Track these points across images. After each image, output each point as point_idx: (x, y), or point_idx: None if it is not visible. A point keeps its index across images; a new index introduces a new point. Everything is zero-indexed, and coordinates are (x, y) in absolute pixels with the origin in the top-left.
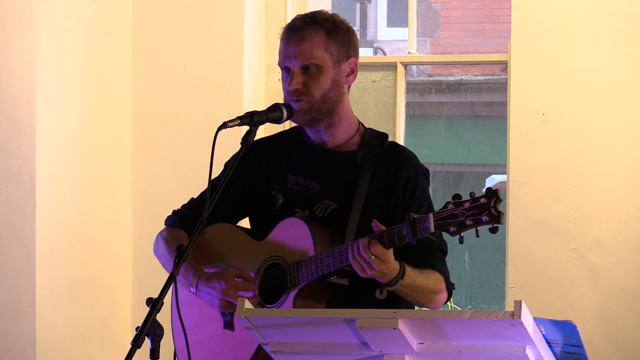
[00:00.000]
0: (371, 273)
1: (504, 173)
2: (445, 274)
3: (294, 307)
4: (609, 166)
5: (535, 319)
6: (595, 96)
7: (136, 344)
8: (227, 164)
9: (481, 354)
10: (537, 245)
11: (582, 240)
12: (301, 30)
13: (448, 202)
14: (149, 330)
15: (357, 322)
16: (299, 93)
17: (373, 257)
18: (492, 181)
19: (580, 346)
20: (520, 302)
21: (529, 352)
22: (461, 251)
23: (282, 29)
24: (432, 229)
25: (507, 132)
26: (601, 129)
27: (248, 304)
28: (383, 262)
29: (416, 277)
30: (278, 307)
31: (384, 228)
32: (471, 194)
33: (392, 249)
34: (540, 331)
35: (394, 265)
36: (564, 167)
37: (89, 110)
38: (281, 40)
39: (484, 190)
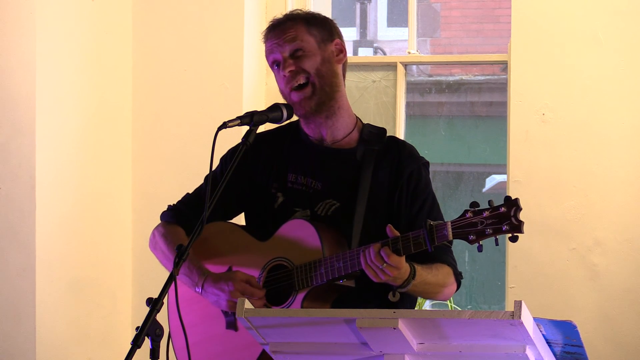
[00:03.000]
0: (384, 278)
1: (504, 173)
2: (453, 265)
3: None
4: (609, 166)
5: (535, 319)
6: (595, 96)
7: (136, 344)
8: (223, 159)
9: (481, 354)
10: (537, 245)
11: (582, 240)
12: (281, 24)
13: (467, 210)
14: (149, 330)
15: (357, 322)
16: (295, 74)
17: (386, 264)
18: (492, 181)
19: (580, 346)
20: (520, 302)
21: (529, 352)
22: (461, 251)
23: (262, 34)
24: (450, 237)
25: (507, 132)
26: (601, 129)
27: (248, 304)
28: (396, 269)
29: (426, 275)
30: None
31: (398, 234)
32: (490, 202)
33: (404, 256)
34: (540, 331)
35: (405, 268)
36: (564, 167)
37: (88, 110)
38: (265, 41)
39: (484, 189)
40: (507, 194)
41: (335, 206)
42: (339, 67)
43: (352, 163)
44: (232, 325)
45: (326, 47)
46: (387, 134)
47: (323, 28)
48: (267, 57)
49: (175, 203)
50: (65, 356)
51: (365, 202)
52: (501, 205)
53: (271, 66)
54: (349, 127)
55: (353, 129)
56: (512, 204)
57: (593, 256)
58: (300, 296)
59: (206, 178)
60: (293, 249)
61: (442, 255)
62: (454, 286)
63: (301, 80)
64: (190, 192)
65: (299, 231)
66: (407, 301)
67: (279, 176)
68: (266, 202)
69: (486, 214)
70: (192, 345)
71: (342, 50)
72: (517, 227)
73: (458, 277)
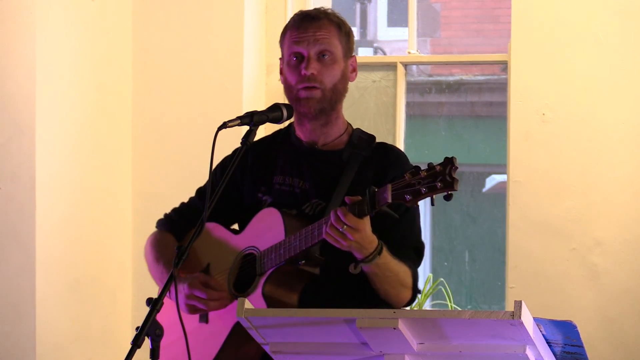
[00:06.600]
0: (346, 243)
1: (504, 173)
2: (413, 271)
3: (263, 294)
4: (609, 166)
5: (535, 319)
6: (595, 96)
7: (136, 344)
8: (213, 172)
9: (481, 354)
10: (537, 245)
11: (582, 240)
12: (318, 19)
13: (406, 172)
14: (149, 330)
15: (357, 322)
16: (313, 79)
17: (345, 226)
18: (492, 181)
19: (580, 346)
20: (520, 302)
21: (529, 352)
22: (461, 251)
23: (291, 19)
24: (390, 200)
25: (507, 132)
26: (601, 129)
27: (248, 304)
28: (357, 231)
29: (391, 259)
30: (247, 295)
31: (359, 198)
32: (429, 164)
33: (367, 219)
34: (540, 331)
35: (370, 238)
36: (564, 167)
37: (89, 110)
38: (291, 28)
39: (484, 189)
40: (507, 194)
41: (321, 206)
42: (349, 82)
43: (337, 164)
44: (204, 317)
45: (347, 61)
46: (380, 140)
47: (348, 40)
48: (287, 44)
49: (169, 211)
50: (65, 356)
51: (340, 201)
52: (437, 165)
53: (288, 54)
54: (340, 132)
55: (343, 133)
56: (448, 163)
57: (593, 256)
58: (262, 280)
59: (198, 190)
60: (261, 236)
61: (405, 260)
62: (410, 294)
63: (316, 85)
64: (186, 201)
65: (267, 218)
66: (370, 294)
67: (266, 180)
68: (254, 208)
69: (423, 174)
70: (170, 344)
71: (355, 68)
72: (450, 184)
73: (415, 288)
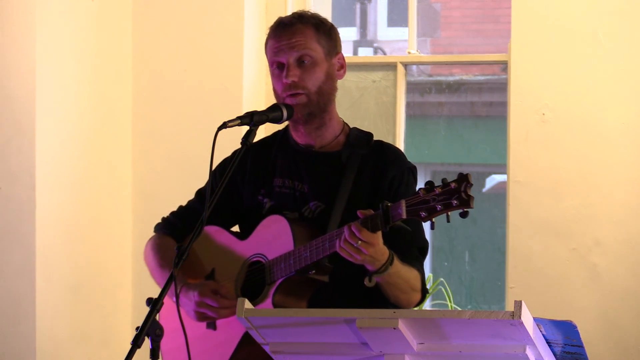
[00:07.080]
0: (360, 258)
1: (504, 173)
2: (422, 274)
3: (273, 304)
4: (609, 166)
5: (535, 319)
6: (595, 96)
7: (136, 344)
8: (213, 173)
9: (481, 354)
10: (537, 245)
11: (582, 240)
12: (292, 25)
13: (420, 189)
14: (149, 330)
15: (357, 322)
16: (295, 86)
17: (360, 242)
18: (492, 181)
19: (581, 346)
20: (520, 302)
21: (529, 352)
22: (461, 251)
23: (269, 29)
24: (404, 216)
25: (507, 132)
26: (601, 129)
27: (248, 304)
28: (371, 245)
29: (401, 267)
30: (257, 304)
31: (371, 212)
32: (443, 180)
33: (379, 232)
34: (540, 331)
35: (382, 250)
36: (564, 167)
37: (89, 110)
38: (270, 38)
39: (484, 189)
40: (507, 194)
41: (321, 208)
42: (337, 81)
43: (336, 166)
44: (212, 325)
45: (331, 60)
46: (377, 138)
47: (330, 38)
48: (269, 55)
49: (167, 215)
50: (65, 356)
51: (344, 203)
52: (452, 181)
53: (270, 64)
54: (336, 133)
55: (340, 133)
56: (463, 180)
57: (593, 256)
58: (272, 290)
59: (197, 192)
60: (268, 243)
61: (412, 261)
62: (419, 296)
63: (300, 91)
64: (184, 203)
65: (274, 226)
66: (381, 298)
67: (266, 182)
68: (255, 210)
69: (438, 190)
70: (174, 349)
71: (343, 65)
72: (466, 202)
73: (424, 288)
